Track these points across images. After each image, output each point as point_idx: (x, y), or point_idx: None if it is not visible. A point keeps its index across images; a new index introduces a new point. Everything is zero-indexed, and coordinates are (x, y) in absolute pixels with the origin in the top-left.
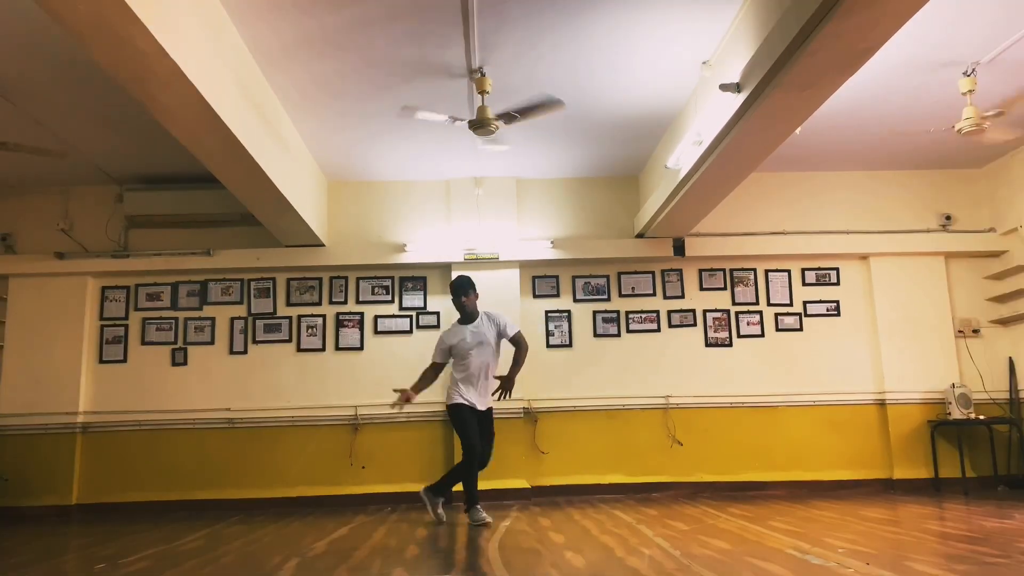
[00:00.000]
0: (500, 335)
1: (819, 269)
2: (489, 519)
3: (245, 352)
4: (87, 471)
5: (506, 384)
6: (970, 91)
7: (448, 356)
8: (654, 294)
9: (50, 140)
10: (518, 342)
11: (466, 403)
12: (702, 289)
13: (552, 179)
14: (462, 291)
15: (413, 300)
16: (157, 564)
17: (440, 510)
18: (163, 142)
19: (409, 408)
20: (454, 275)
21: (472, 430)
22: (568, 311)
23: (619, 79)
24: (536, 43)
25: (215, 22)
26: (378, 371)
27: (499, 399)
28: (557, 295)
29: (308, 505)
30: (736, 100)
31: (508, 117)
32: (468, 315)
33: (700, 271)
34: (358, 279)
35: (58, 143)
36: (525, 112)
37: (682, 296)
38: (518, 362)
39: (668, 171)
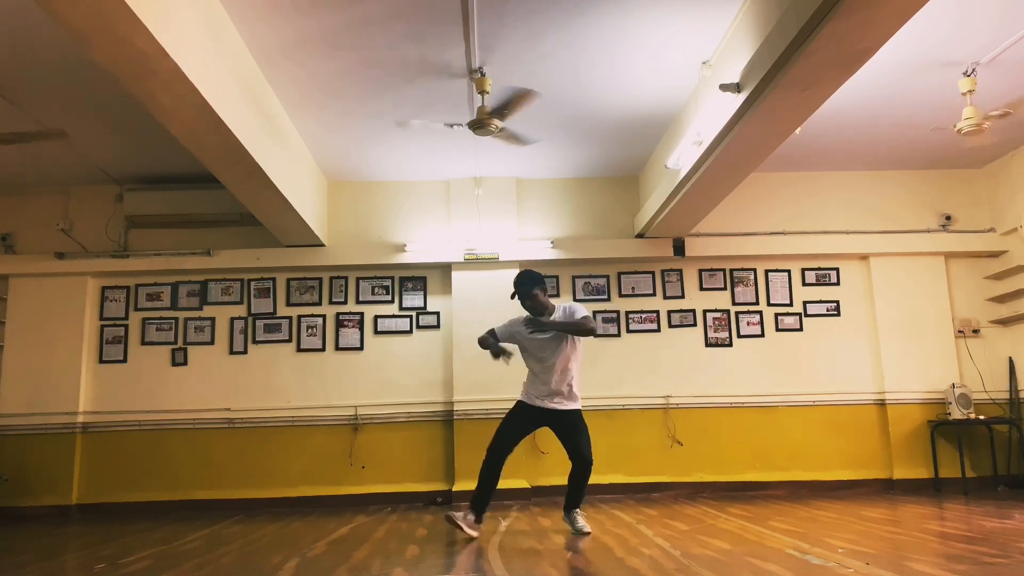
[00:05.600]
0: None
1: (819, 269)
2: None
3: (245, 352)
4: (87, 471)
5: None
6: (970, 91)
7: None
8: (654, 294)
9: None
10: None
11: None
12: (702, 289)
13: (552, 179)
14: (526, 292)
15: (413, 300)
16: (157, 564)
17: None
18: (163, 142)
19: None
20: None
21: (506, 429)
22: None
23: (619, 79)
24: (536, 43)
25: (215, 22)
26: (378, 371)
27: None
28: (557, 295)
29: (308, 505)
30: (736, 100)
31: (497, 112)
32: (540, 312)
33: (700, 271)
34: (358, 279)
35: (55, 127)
36: (502, 111)
37: (682, 296)
38: (564, 325)
39: (668, 171)
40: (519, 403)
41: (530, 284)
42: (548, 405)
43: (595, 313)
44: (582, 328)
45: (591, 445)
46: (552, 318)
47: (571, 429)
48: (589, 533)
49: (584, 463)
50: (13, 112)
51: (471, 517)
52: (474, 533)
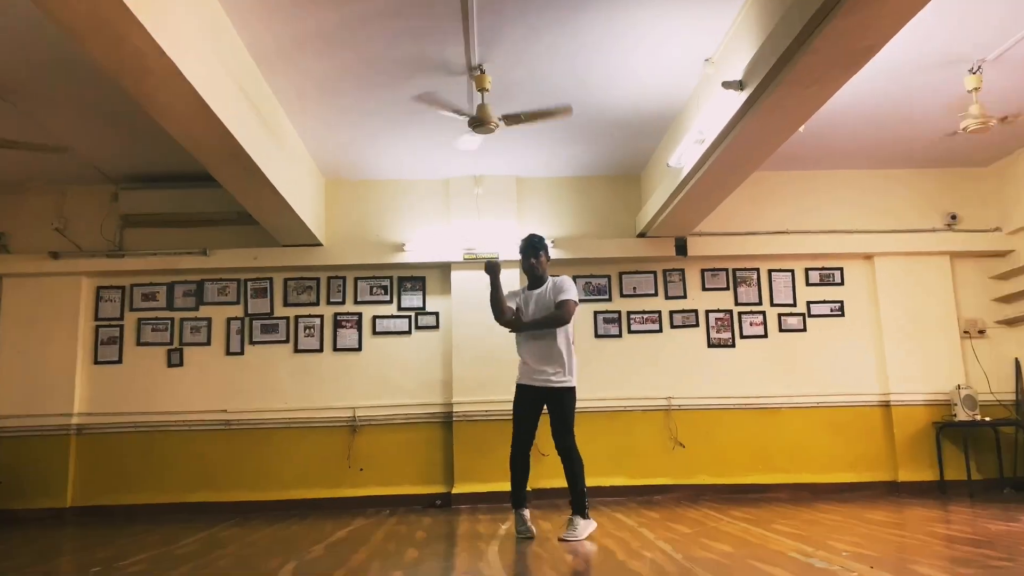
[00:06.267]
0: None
1: (823, 269)
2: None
3: (242, 353)
4: (82, 473)
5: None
6: (976, 89)
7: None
8: (656, 294)
9: (46, 138)
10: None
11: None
12: (704, 289)
13: (553, 178)
14: (532, 252)
15: (412, 300)
16: (153, 567)
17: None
18: (159, 140)
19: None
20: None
21: (517, 419)
22: None
23: (620, 77)
24: (536, 40)
25: (213, 20)
26: (376, 372)
27: None
28: None
29: (305, 508)
30: (739, 98)
31: (512, 118)
32: (536, 280)
33: (702, 271)
34: (356, 279)
35: (56, 140)
36: (533, 116)
37: (684, 296)
38: (538, 322)
39: (670, 170)
40: (517, 387)
41: (535, 248)
42: (536, 381)
43: (596, 313)
44: (555, 320)
45: (572, 429)
46: (542, 289)
47: (556, 410)
48: (569, 542)
49: (561, 449)
50: (12, 111)
51: (514, 512)
52: (525, 517)
